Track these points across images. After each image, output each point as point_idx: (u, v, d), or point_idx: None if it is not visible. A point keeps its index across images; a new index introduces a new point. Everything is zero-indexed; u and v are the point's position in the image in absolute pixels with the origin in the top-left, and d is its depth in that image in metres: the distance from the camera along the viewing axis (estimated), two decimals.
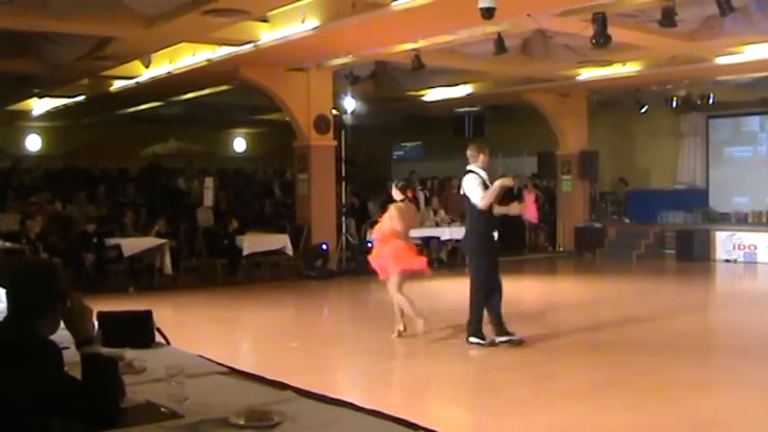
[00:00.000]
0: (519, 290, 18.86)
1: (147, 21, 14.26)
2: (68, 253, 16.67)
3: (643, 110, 24.11)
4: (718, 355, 11.46)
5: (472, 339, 11.10)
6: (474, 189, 10.99)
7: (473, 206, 11.03)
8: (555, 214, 25.90)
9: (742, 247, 22.22)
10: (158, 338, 5.13)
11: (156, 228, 18.15)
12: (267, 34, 15.48)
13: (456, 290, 17.26)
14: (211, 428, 3.48)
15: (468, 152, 11.41)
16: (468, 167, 11.26)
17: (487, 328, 11.17)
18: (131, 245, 17.23)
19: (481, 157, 11.29)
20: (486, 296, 11.11)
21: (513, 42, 15.96)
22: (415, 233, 17.70)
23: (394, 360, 11.09)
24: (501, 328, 11.14)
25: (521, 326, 12.78)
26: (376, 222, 12.99)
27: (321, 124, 20.18)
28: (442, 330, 12.32)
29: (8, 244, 16.11)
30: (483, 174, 11.18)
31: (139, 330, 5.07)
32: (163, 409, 3.75)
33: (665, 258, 23.30)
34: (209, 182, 22.15)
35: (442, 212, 22.11)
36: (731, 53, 17.97)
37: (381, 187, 23.66)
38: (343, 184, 21.08)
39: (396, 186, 12.13)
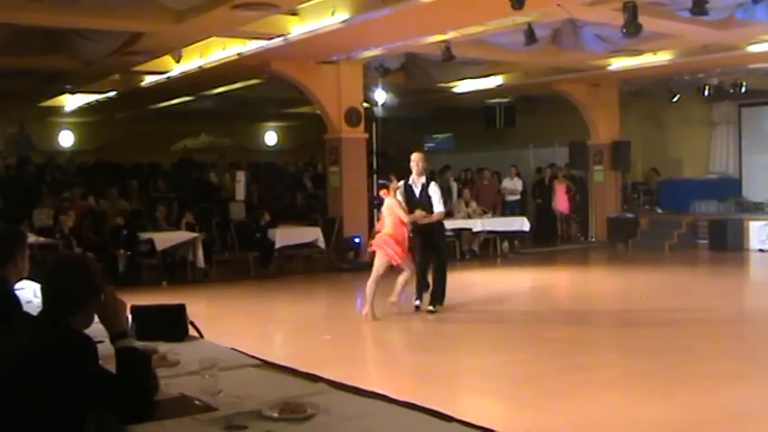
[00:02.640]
0: (551, 281, 18.88)
1: (177, 15, 14.30)
2: (101, 247, 16.78)
3: (675, 99, 23.93)
4: (752, 347, 11.39)
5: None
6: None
7: None
8: (587, 205, 25.81)
9: None
10: (192, 332, 5.15)
11: (184, 220, 18.24)
12: (297, 28, 15.48)
13: (489, 281, 17.31)
14: (245, 421, 3.49)
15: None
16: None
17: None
18: (164, 239, 17.32)
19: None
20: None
21: (543, 32, 15.91)
22: (448, 224, 17.77)
23: (427, 352, 11.09)
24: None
25: (553, 317, 12.82)
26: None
27: (352, 117, 20.20)
28: (474, 322, 12.32)
29: (42, 239, 16.21)
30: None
31: (173, 324, 5.09)
32: (197, 402, 3.77)
33: (698, 248, 23.15)
34: (240, 175, 22.21)
35: (473, 204, 22.09)
36: (763, 41, 17.83)
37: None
38: (374, 176, 21.08)
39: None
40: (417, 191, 12.91)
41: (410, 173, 13.05)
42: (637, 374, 9.33)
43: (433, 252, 13.04)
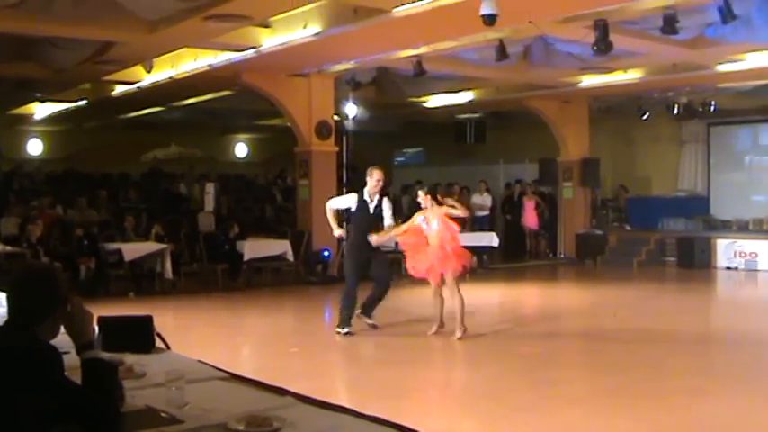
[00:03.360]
0: (520, 296, 18.94)
1: (149, 26, 14.27)
2: (69, 257, 16.68)
3: (644, 117, 24.07)
4: (719, 363, 11.45)
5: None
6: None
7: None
8: (556, 221, 25.89)
9: (743, 254, 22.20)
10: (158, 343, 5.11)
11: (154, 231, 18.16)
12: (269, 40, 15.49)
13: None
14: None
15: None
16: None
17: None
18: (132, 249, 17.22)
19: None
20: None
21: (514, 49, 15.97)
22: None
23: (395, 366, 11.08)
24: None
25: (521, 333, 12.84)
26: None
27: (322, 130, 20.19)
28: (442, 337, 12.32)
29: (9, 248, 16.12)
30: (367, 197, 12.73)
31: (140, 335, 5.04)
32: (162, 414, 3.75)
33: (665, 266, 23.30)
34: (209, 187, 22.17)
35: None
36: (732, 60, 17.97)
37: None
38: (344, 190, 21.08)
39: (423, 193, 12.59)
40: (372, 206, 12.64)
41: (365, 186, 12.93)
42: (604, 390, 9.35)
43: (380, 267, 12.77)
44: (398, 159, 33.81)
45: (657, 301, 17.69)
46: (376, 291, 12.78)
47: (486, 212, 24.77)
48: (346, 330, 12.51)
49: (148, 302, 15.24)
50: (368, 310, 12.84)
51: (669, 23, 13.34)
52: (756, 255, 21.99)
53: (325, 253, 19.73)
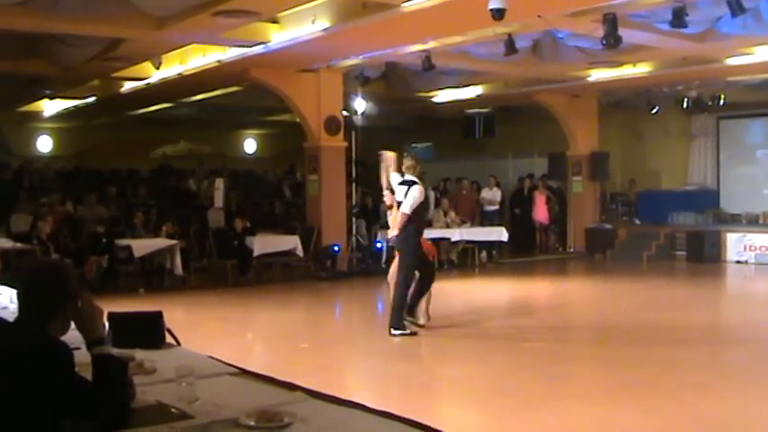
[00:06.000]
0: (530, 291, 18.91)
1: (157, 22, 14.27)
2: (79, 254, 16.70)
3: (654, 111, 24.05)
4: (730, 358, 11.43)
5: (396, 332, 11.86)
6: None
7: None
8: (565, 215, 25.86)
9: (753, 248, 22.14)
10: (169, 339, 5.13)
11: (164, 229, 18.15)
12: (277, 35, 15.49)
13: (467, 290, 17.32)
14: (222, 429, 3.47)
15: (409, 163, 12.19)
16: (410, 178, 11.99)
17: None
18: (142, 246, 17.22)
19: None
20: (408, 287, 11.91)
21: (523, 43, 15.95)
22: (426, 234, 17.73)
23: (405, 361, 11.09)
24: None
25: (530, 327, 12.82)
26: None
27: (331, 125, 20.18)
28: (452, 332, 12.31)
29: (19, 245, 16.14)
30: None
31: (150, 331, 5.07)
32: (173, 410, 3.75)
33: (675, 260, 23.24)
34: (219, 183, 22.13)
35: (452, 213, 22.08)
36: (741, 54, 17.92)
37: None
38: (353, 185, 21.07)
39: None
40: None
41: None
42: (613, 385, 9.33)
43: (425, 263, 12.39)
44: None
45: (667, 296, 17.64)
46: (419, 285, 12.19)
47: (495, 207, 24.69)
48: (400, 333, 11.92)
49: (158, 298, 15.27)
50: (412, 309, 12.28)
51: (678, 17, 13.32)
52: (766, 248, 21.94)
53: (335, 248, 19.73)
